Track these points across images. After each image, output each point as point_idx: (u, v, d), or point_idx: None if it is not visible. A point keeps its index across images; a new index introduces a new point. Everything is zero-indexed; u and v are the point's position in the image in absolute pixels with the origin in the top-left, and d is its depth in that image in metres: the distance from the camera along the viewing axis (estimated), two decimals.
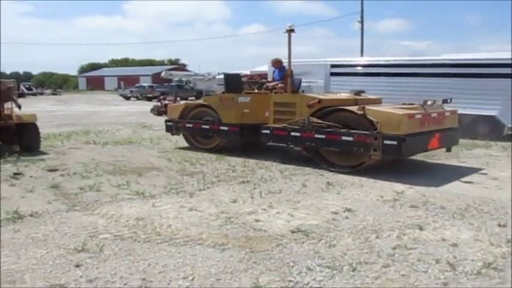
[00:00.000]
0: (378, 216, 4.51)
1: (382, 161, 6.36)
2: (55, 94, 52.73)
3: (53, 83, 76.35)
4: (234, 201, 5.01)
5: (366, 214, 4.60)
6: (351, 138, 6.31)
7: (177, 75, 46.64)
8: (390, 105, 6.86)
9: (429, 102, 6.71)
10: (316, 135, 6.71)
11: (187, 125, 8.95)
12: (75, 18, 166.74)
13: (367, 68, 12.68)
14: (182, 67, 78.61)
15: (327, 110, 6.85)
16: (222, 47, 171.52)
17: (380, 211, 4.72)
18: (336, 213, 4.62)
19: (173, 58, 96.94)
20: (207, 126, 8.56)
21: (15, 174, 6.45)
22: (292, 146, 7.30)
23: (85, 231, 3.96)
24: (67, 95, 52.88)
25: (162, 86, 41.40)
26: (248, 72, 50.47)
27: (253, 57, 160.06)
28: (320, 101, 6.95)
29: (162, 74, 44.99)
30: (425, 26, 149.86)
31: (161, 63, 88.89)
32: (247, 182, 6.05)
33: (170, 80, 44.49)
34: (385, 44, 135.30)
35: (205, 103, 8.81)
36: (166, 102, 20.44)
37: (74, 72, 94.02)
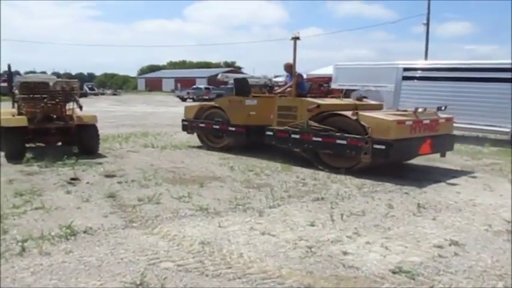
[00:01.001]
0: (495, 255, 3.60)
1: (372, 163, 6.54)
2: (115, 94, 54.50)
3: (114, 84, 79.24)
4: (312, 224, 4.28)
5: (478, 250, 3.70)
6: (344, 142, 6.63)
7: (233, 78, 46.62)
8: (384, 112, 7.23)
9: (420, 110, 6.94)
10: (314, 138, 7.04)
11: (201, 124, 9.43)
12: (139, 22, 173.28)
13: (448, 72, 11.42)
14: (237, 70, 78.95)
15: (325, 115, 7.16)
16: (277, 50, 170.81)
17: (495, 247, 3.80)
18: (440, 247, 3.76)
19: (229, 61, 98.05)
20: (218, 127, 9.00)
21: (72, 179, 6.09)
22: (292, 147, 7.61)
23: (144, 257, 3.38)
24: (126, 95, 54.45)
25: (218, 88, 41.44)
26: (304, 76, 49.56)
27: (308, 60, 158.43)
28: (319, 105, 7.25)
29: (219, 76, 44.66)
30: (490, 29, 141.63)
31: (217, 65, 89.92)
32: (322, 199, 5.29)
33: (226, 82, 44.37)
34: (446, 48, 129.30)
35: (216, 105, 9.28)
36: None
37: (134, 73, 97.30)
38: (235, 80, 9.72)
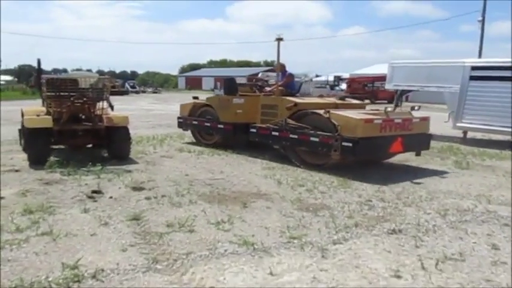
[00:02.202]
0: None
1: (342, 161, 6.64)
2: (155, 92, 54.59)
3: (155, 82, 79.98)
4: (397, 275, 3.13)
5: None
6: (317, 139, 6.82)
7: (273, 77, 45.45)
8: (356, 111, 7.16)
9: (389, 109, 7.20)
10: (291, 135, 7.27)
11: (194, 122, 9.69)
12: (182, 21, 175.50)
13: None
14: None
15: (302, 113, 7.34)
16: (318, 49, 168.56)
17: None
18: None
19: (269, 60, 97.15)
20: (208, 124, 9.23)
21: (93, 192, 5.20)
22: (273, 144, 8.01)
23: None
24: (167, 93, 54.46)
25: None
26: (347, 75, 47.77)
27: (351, 60, 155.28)
28: (296, 104, 7.42)
29: (259, 75, 43.93)
30: None
31: (257, 64, 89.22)
32: (400, 231, 4.11)
33: (267, 81, 43.52)
34: (497, 48, 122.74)
35: (208, 103, 9.45)
36: None
37: (175, 72, 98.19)
38: (224, 79, 9.78)
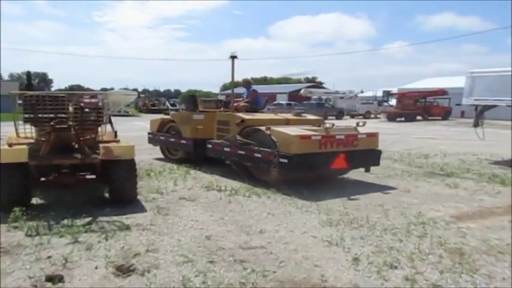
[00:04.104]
0: None
1: (282, 177, 6.43)
2: None
3: None
4: None
5: None
6: (260, 155, 6.72)
7: (316, 93, 43.35)
8: (299, 127, 6.98)
9: (327, 125, 7.00)
10: (239, 151, 7.16)
11: (161, 137, 9.65)
12: (225, 41, 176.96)
13: None
14: (319, 85, 75.41)
15: (249, 129, 7.27)
16: (360, 65, 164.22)
17: None
18: None
19: (310, 76, 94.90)
20: (173, 140, 9.18)
21: (48, 280, 3.15)
22: (225, 159, 7.80)
23: None
24: None
25: (300, 104, 38.25)
26: (395, 90, 44.71)
27: (395, 75, 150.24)
28: (243, 120, 7.40)
29: (301, 91, 42.19)
30: None
31: (298, 81, 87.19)
32: None
33: (309, 98, 41.24)
34: None
35: (172, 119, 9.51)
36: None
37: (216, 90, 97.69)
38: (185, 96, 10.64)
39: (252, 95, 9.10)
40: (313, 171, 6.80)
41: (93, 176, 5.51)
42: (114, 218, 4.83)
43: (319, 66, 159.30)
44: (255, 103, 9.03)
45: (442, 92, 36.07)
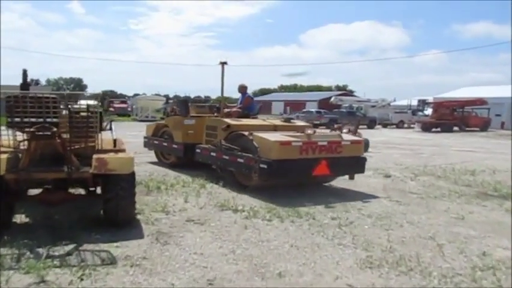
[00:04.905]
0: None
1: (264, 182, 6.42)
2: None
3: None
4: None
5: None
6: (242, 161, 6.71)
7: (347, 101, 41.91)
8: (281, 133, 6.99)
9: (309, 131, 6.86)
10: (224, 156, 7.17)
11: (155, 142, 9.75)
12: (256, 49, 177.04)
13: None
14: (350, 93, 73.75)
15: (234, 134, 7.26)
16: (392, 73, 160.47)
17: None
18: None
19: (341, 84, 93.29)
20: (166, 144, 9.22)
21: None
22: (211, 164, 7.75)
23: None
24: None
25: (330, 112, 36.99)
26: (430, 99, 42.75)
27: (429, 84, 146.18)
28: (229, 125, 7.42)
29: (332, 99, 40.85)
30: None
31: (328, 88, 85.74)
32: None
33: (339, 106, 39.90)
34: None
35: (166, 123, 9.58)
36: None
37: None
38: (178, 101, 10.27)
39: (246, 100, 9.12)
40: (293, 177, 6.77)
41: (74, 199, 4.67)
42: (102, 245, 3.95)
43: (350, 74, 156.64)
44: (249, 109, 9.05)
45: (481, 102, 34.15)
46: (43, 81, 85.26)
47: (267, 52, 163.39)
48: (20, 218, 4.80)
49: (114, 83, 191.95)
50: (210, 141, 7.82)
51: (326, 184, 7.66)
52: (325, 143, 6.70)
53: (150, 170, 8.62)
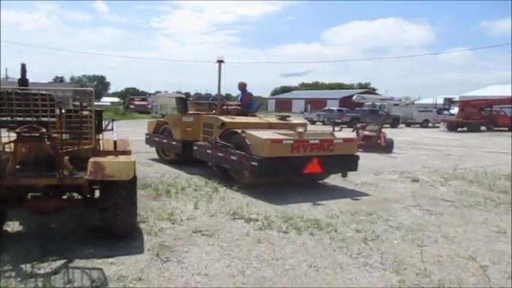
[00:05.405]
0: None
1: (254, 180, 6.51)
2: None
3: None
4: None
5: None
6: (235, 158, 6.75)
7: (370, 99, 40.82)
8: (272, 131, 7.03)
9: (300, 130, 6.87)
10: (218, 153, 7.20)
11: (156, 139, 9.81)
12: (279, 46, 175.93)
13: None
14: (372, 91, 72.33)
15: (229, 132, 7.29)
16: (416, 71, 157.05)
17: None
18: None
19: (363, 82, 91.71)
20: (165, 141, 9.33)
21: None
22: (207, 161, 7.76)
23: None
24: None
25: (352, 110, 36.10)
26: (457, 98, 41.31)
27: (454, 82, 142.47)
28: (223, 123, 7.45)
29: (354, 97, 39.84)
30: None
31: (350, 86, 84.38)
32: None
33: (361, 104, 38.95)
34: None
35: (166, 121, 9.82)
36: (366, 133, 14.77)
37: (267, 94, 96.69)
38: (177, 98, 10.35)
39: (246, 98, 9.15)
40: (284, 174, 6.75)
41: (68, 207, 4.22)
42: (95, 261, 3.50)
43: (373, 72, 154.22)
44: (248, 106, 9.08)
45: (510, 101, 32.76)
46: (67, 79, 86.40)
47: (289, 49, 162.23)
48: (13, 226, 4.40)
49: (136, 80, 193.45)
50: (207, 138, 7.85)
51: (350, 188, 7.10)
52: (316, 141, 6.72)
53: (162, 171, 8.19)
